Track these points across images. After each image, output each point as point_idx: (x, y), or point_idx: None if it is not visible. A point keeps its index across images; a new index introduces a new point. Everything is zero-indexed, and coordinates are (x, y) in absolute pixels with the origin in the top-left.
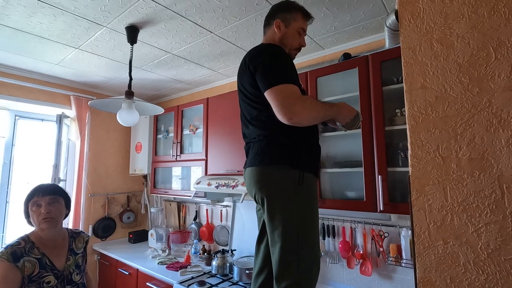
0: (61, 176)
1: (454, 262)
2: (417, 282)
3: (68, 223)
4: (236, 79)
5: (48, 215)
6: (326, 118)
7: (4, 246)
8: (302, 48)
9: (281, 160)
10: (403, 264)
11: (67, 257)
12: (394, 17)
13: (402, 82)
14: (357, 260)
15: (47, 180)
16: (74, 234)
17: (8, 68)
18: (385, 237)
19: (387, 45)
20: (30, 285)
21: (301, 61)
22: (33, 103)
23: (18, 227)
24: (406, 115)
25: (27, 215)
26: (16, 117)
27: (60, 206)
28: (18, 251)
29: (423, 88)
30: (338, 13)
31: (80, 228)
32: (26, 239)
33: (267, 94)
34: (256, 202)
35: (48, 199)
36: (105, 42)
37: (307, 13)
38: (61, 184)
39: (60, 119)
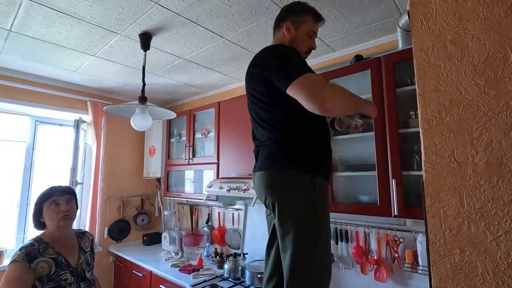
0: (79, 179)
1: (471, 272)
2: None
3: (85, 224)
4: None
5: (67, 213)
6: (358, 108)
7: (19, 248)
8: (313, 50)
9: (292, 164)
10: (419, 271)
11: (79, 255)
12: (407, 17)
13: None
14: (371, 266)
15: (65, 183)
16: (80, 234)
17: (29, 75)
18: (400, 242)
19: (400, 46)
20: (49, 283)
21: (312, 63)
22: (52, 109)
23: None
24: (419, 119)
25: (38, 216)
26: (37, 123)
27: (74, 206)
28: (33, 252)
29: (436, 91)
30: (349, 15)
31: (96, 230)
32: (39, 240)
33: (291, 90)
34: (266, 207)
35: (66, 198)
36: (120, 49)
37: (317, 15)
38: (78, 187)
39: (77, 124)
